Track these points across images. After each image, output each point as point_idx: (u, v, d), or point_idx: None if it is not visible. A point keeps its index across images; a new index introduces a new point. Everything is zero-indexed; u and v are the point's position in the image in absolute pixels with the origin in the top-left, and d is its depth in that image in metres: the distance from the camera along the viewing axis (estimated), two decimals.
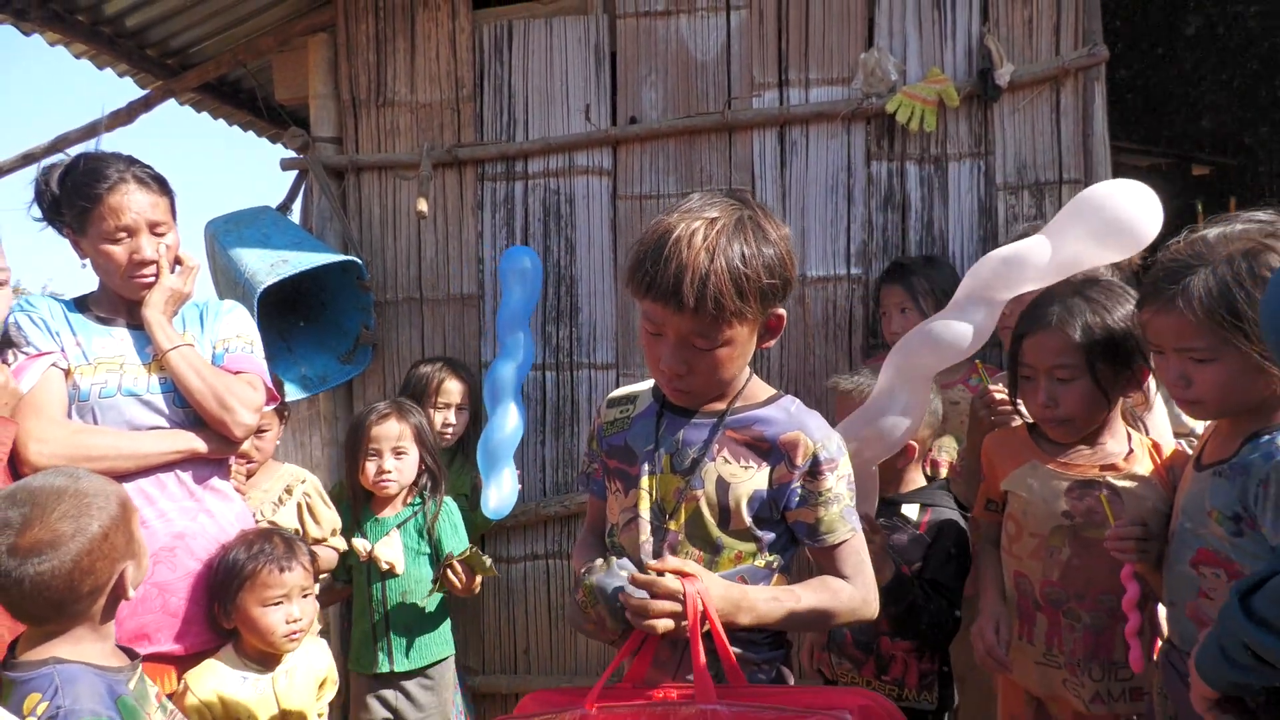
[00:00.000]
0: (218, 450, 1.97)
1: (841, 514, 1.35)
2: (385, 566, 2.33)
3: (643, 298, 1.29)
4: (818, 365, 2.76)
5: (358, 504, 2.47)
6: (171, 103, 3.44)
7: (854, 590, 1.35)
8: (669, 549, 1.36)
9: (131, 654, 1.50)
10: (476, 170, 2.95)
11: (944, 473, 2.24)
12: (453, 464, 2.74)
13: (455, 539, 2.44)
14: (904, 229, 2.70)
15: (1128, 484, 1.62)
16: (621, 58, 2.86)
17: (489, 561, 2.36)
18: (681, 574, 1.25)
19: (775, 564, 1.39)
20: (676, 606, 1.22)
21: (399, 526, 2.42)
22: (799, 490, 1.35)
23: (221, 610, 1.91)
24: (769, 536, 1.37)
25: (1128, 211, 1.71)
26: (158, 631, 1.87)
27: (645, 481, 1.39)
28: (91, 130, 3.12)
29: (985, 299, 1.80)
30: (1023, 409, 1.84)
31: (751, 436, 1.37)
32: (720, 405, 1.40)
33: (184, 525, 1.92)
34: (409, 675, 2.41)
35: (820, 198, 2.75)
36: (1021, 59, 2.62)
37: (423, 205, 2.65)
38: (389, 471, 2.39)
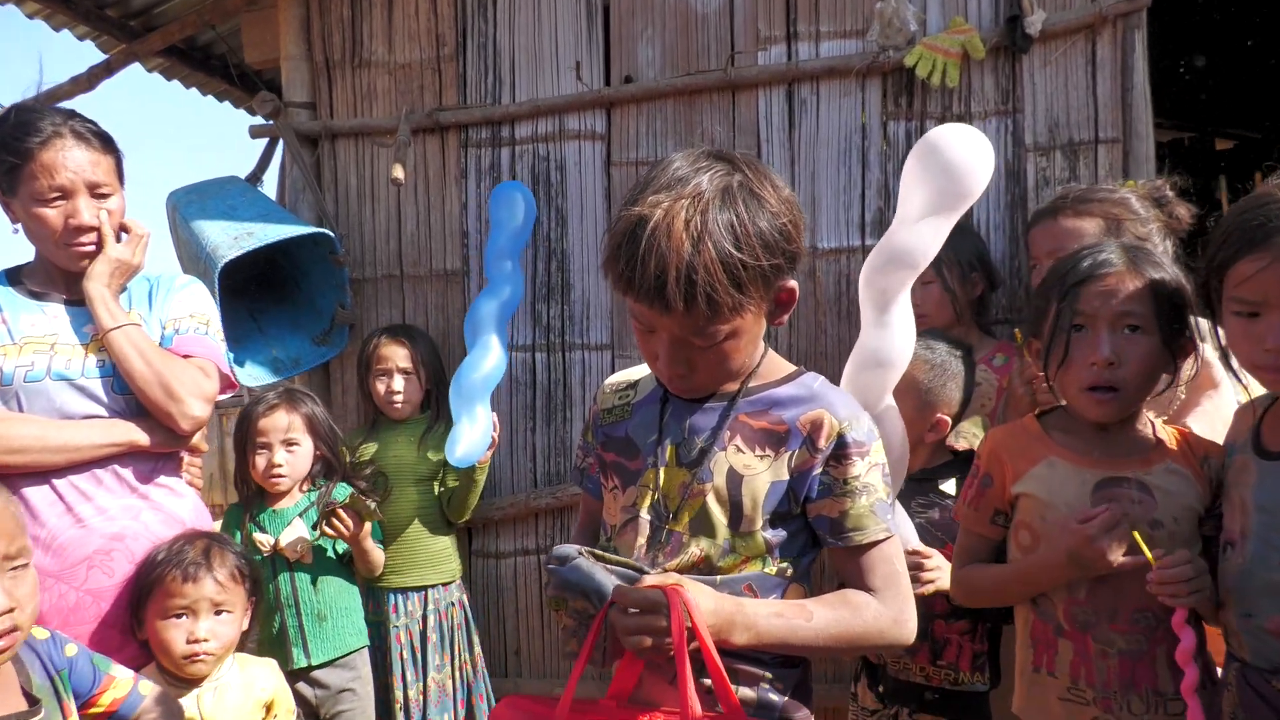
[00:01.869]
0: (162, 443, 1.77)
1: (873, 509, 1.15)
2: (294, 556, 2.19)
3: (624, 295, 1.09)
4: (830, 345, 2.54)
5: (250, 499, 2.31)
6: (139, 70, 3.24)
7: (882, 608, 1.14)
8: (669, 552, 1.16)
9: (32, 699, 1.28)
10: (459, 135, 2.73)
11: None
12: (428, 434, 2.55)
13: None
14: None
15: (1159, 480, 1.39)
16: (615, 11, 2.62)
17: (374, 505, 2.22)
18: (664, 587, 1.05)
19: (789, 571, 1.18)
20: (659, 622, 1.02)
21: (300, 515, 2.26)
22: (822, 478, 1.15)
23: (134, 620, 1.70)
24: (780, 536, 1.16)
25: (962, 154, 1.73)
26: (91, 647, 1.67)
27: (647, 477, 1.20)
28: (50, 98, 2.92)
29: (889, 302, 1.80)
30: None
31: (769, 421, 1.18)
32: (732, 386, 1.21)
33: (123, 526, 1.73)
34: (324, 666, 2.26)
35: (832, 162, 2.52)
36: (1054, 5, 2.38)
37: (398, 172, 2.44)
38: (279, 465, 2.24)
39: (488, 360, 2.43)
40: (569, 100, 2.63)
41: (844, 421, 1.15)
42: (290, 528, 2.23)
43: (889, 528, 1.16)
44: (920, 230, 1.83)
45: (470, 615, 2.60)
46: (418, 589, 2.50)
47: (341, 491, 2.29)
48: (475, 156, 2.73)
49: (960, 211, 1.85)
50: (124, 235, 1.81)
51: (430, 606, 2.50)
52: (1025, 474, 1.47)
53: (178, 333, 1.83)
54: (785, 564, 1.17)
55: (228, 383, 1.90)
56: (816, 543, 1.20)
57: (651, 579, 1.06)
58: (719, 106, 2.57)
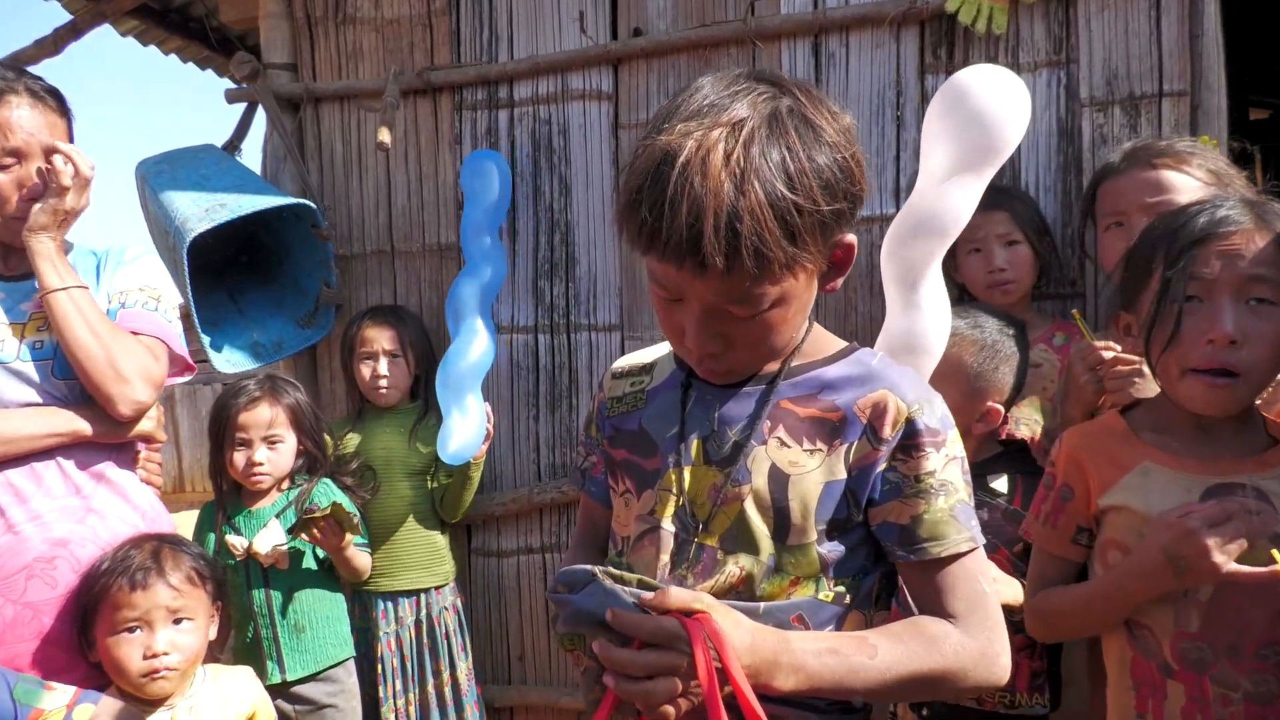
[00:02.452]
0: (106, 433, 1.57)
1: (952, 513, 0.93)
2: (268, 561, 2.00)
3: (645, 253, 0.87)
4: (860, 324, 2.31)
5: (225, 497, 2.11)
6: (113, 35, 3.02)
7: (965, 639, 0.91)
8: (701, 572, 0.94)
9: None
10: (453, 97, 2.50)
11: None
12: (419, 424, 2.34)
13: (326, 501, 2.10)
14: None
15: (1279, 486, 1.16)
16: None
17: (357, 518, 2.03)
18: (688, 613, 0.83)
19: (847, 597, 0.96)
20: (677, 660, 0.81)
21: (277, 516, 2.06)
22: (887, 475, 0.93)
23: (83, 641, 1.51)
24: (838, 551, 0.94)
25: (992, 100, 1.57)
26: (33, 667, 1.47)
27: (669, 479, 0.98)
28: (13, 63, 2.70)
29: (918, 278, 1.62)
30: (1143, 381, 1.38)
31: (818, 407, 0.96)
32: (772, 366, 0.99)
33: (67, 530, 1.53)
34: (304, 681, 2.07)
35: (863, 121, 2.28)
36: None
37: (385, 135, 2.21)
38: (260, 464, 2.05)
39: (475, 346, 2.21)
40: (572, 56, 2.40)
41: (913, 404, 0.93)
42: (266, 530, 2.04)
43: (973, 536, 0.93)
44: (948, 192, 1.62)
45: (464, 621, 2.39)
46: (409, 593, 2.29)
47: (323, 494, 2.09)
48: (470, 120, 2.50)
49: (994, 168, 1.63)
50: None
51: (424, 611, 2.30)
52: (1114, 484, 1.22)
53: (123, 306, 1.62)
54: (843, 587, 0.95)
55: (183, 365, 1.70)
56: (880, 559, 0.98)
57: (676, 596, 0.83)
58: (737, 61, 2.33)
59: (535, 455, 2.52)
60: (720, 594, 0.92)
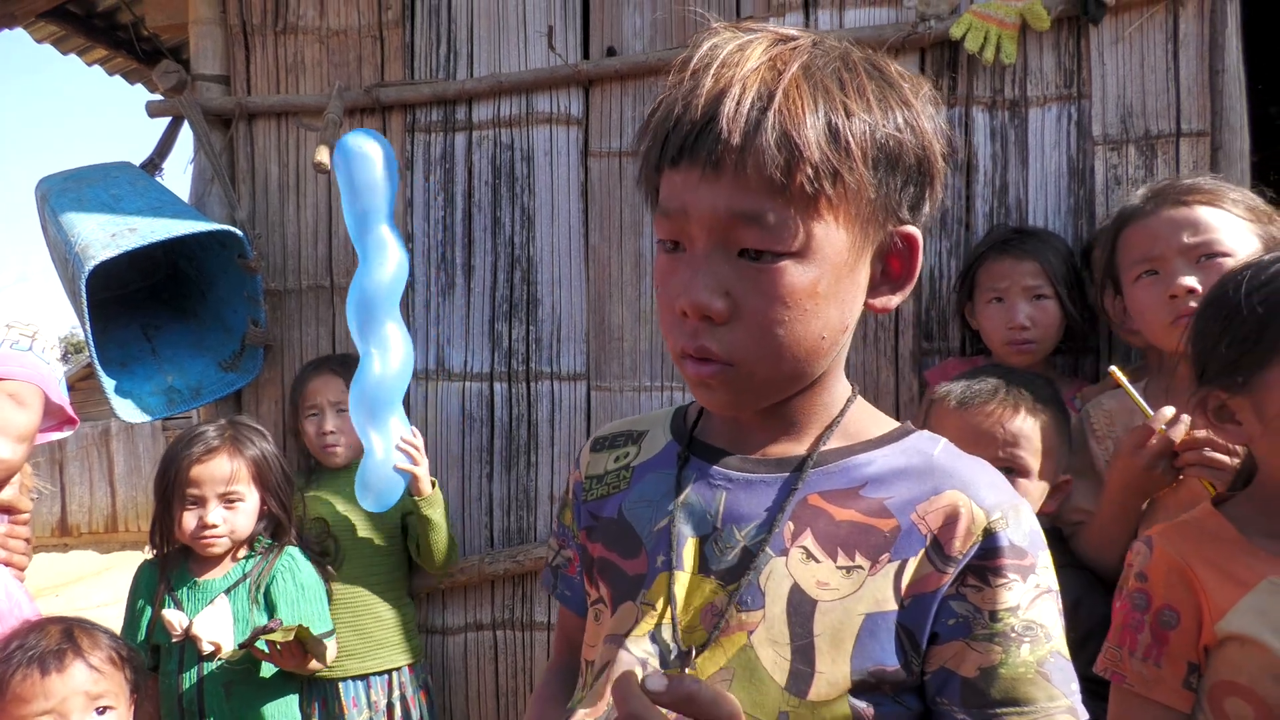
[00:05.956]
0: None
1: (1041, 669, 0.67)
2: (208, 648, 1.67)
3: (657, 165, 0.71)
4: (852, 377, 2.09)
5: (169, 562, 1.81)
6: (27, 40, 2.73)
7: None
8: None
9: None
10: (405, 118, 2.25)
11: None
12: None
13: (294, 599, 1.78)
14: (969, 196, 2.04)
15: None
16: None
17: (330, 648, 1.73)
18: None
19: None
20: None
21: (227, 592, 1.75)
22: (955, 606, 0.68)
23: None
24: (889, 714, 0.69)
25: None
26: None
27: (654, 589, 0.74)
28: None
29: None
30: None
31: (861, 509, 0.71)
32: (797, 447, 0.75)
33: None
34: None
35: None
36: None
37: (323, 155, 1.95)
38: (214, 525, 1.74)
39: (392, 357, 1.86)
40: (539, 76, 2.17)
41: (993, 513, 0.69)
42: (211, 607, 1.72)
43: (1073, 707, 0.67)
44: None
45: (435, 704, 2.11)
46: (381, 673, 1.99)
47: (286, 570, 1.79)
48: (424, 143, 2.25)
49: None
50: None
51: (396, 694, 2.00)
52: (1233, 605, 0.94)
53: None
54: None
55: (63, 417, 1.41)
56: None
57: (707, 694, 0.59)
58: None
59: (488, 519, 2.24)
60: None
